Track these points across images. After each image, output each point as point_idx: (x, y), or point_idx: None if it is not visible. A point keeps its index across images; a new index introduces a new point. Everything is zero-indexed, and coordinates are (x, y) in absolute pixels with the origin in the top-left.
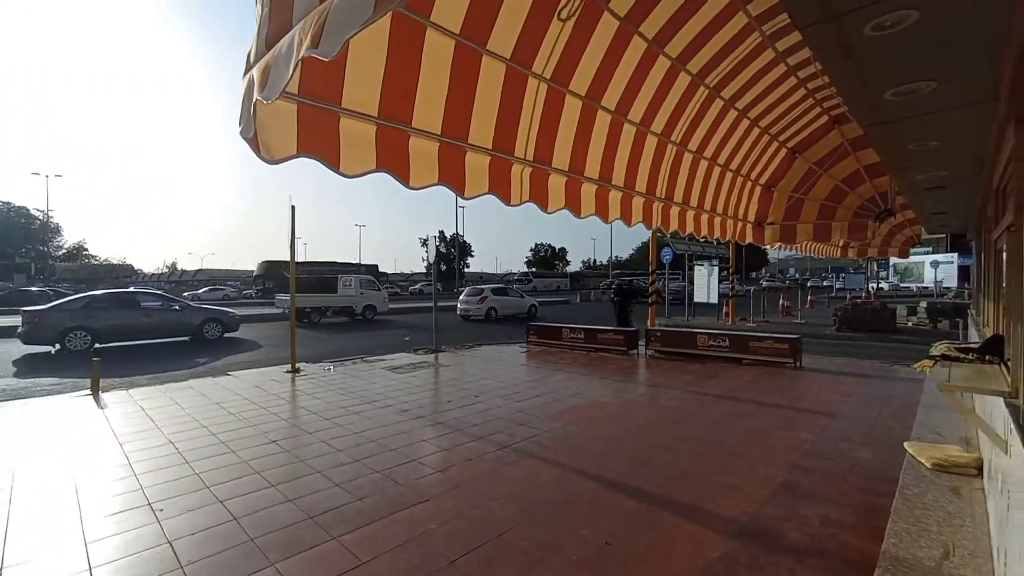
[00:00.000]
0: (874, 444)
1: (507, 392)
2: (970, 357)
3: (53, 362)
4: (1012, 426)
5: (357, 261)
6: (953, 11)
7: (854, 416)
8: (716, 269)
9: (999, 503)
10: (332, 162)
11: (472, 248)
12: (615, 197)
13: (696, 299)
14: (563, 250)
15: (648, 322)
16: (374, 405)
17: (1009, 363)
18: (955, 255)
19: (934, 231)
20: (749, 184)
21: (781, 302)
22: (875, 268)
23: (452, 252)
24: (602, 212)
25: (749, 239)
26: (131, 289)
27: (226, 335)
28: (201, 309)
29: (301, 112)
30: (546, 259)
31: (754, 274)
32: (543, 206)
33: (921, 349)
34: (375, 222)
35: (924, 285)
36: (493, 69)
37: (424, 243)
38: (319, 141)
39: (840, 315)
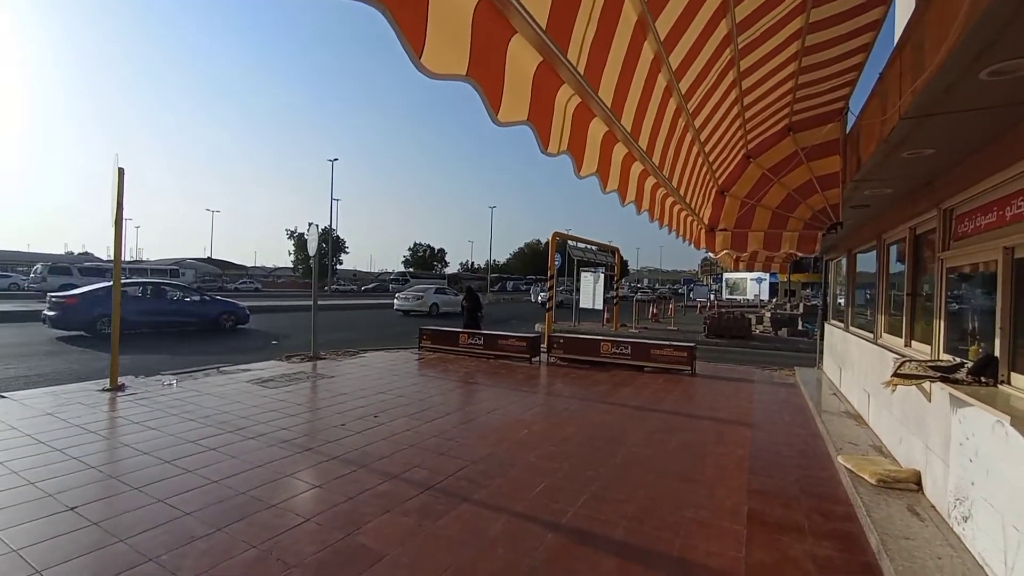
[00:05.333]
0: (799, 456)
1: (412, 410)
2: (965, 379)
3: None
4: None
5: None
6: None
7: (768, 425)
8: (602, 276)
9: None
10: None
11: (346, 244)
12: (636, 171)
13: (582, 305)
14: (442, 251)
15: (546, 327)
16: (240, 435)
17: (1004, 384)
18: (767, 274)
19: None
20: (711, 183)
21: (651, 310)
22: (711, 281)
23: (324, 247)
24: (623, 190)
25: (703, 244)
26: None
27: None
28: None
29: None
30: (424, 259)
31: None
32: (577, 163)
33: (772, 353)
34: (230, 209)
35: (747, 298)
36: None
37: (291, 235)
38: None
39: (709, 323)
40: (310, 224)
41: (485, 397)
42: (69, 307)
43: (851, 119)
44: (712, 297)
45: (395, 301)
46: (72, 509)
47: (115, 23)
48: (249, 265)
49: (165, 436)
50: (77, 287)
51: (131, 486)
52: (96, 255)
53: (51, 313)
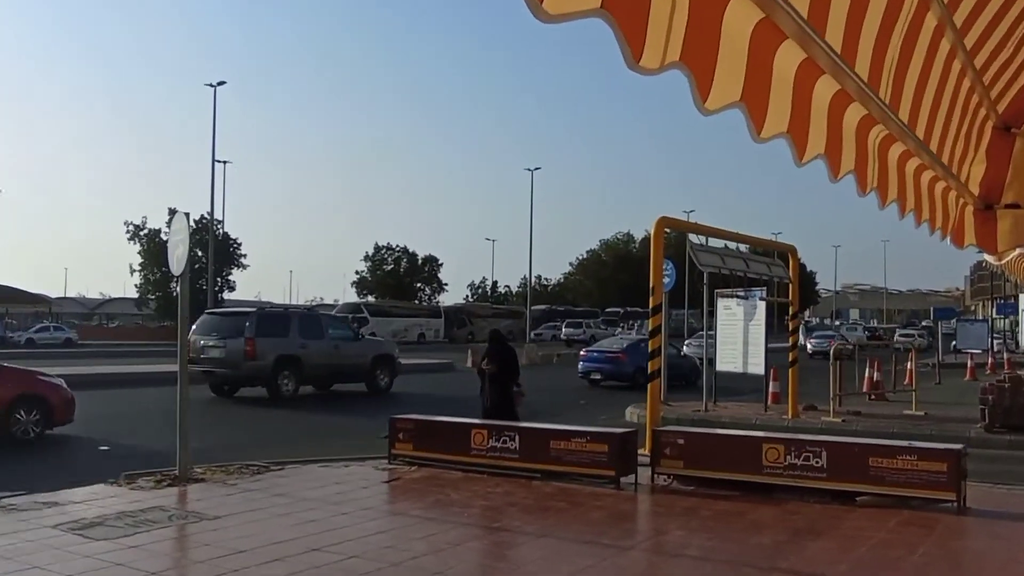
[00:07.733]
0: None
1: None
2: None
3: None
4: None
5: None
6: None
7: None
8: (761, 307)
9: None
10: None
11: (242, 250)
12: (876, 136)
13: (721, 366)
14: (431, 260)
15: (648, 415)
16: None
17: None
18: None
19: None
20: (984, 114)
21: (869, 373)
22: (992, 312)
23: (200, 256)
24: (861, 170)
25: (968, 239)
26: None
27: None
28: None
29: None
30: (396, 278)
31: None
32: (799, 148)
33: None
34: (18, 191)
35: None
36: None
37: (136, 233)
38: None
39: (991, 402)
40: (174, 212)
41: (526, 559)
42: (619, 361)
43: None
44: (996, 346)
45: (808, 344)
46: None
47: None
48: (54, 296)
49: None
50: None
51: None
52: None
53: (607, 366)
